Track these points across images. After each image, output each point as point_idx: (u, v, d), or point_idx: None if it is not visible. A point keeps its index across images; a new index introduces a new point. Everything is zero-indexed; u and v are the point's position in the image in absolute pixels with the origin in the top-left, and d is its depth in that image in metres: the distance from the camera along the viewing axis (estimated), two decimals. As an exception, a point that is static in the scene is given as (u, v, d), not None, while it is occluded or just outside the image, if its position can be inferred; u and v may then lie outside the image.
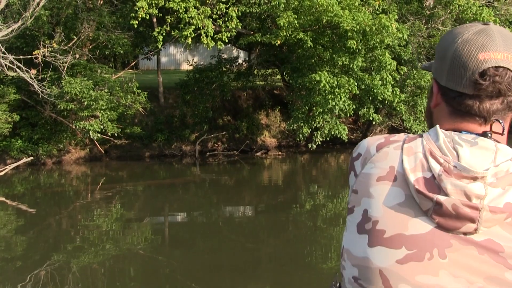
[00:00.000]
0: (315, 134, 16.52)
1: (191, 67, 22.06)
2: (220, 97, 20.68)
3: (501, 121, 1.11)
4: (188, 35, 15.67)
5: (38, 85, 15.00)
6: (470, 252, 1.03)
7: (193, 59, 22.57)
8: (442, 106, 1.17)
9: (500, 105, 1.10)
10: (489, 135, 1.11)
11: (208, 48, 16.94)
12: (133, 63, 21.29)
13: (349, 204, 1.16)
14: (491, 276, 1.02)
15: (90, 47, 17.77)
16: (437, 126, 1.13)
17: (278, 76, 22.68)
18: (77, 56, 16.79)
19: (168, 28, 16.07)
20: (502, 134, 1.12)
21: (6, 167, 15.05)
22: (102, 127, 16.47)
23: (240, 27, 16.69)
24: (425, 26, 17.91)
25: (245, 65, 21.90)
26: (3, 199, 13.43)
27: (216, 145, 20.99)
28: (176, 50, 29.65)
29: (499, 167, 1.05)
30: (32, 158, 16.87)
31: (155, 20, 18.30)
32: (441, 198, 1.03)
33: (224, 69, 20.82)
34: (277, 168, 18.96)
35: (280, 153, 20.49)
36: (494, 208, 1.01)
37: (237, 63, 22.07)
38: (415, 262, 1.04)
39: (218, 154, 20.39)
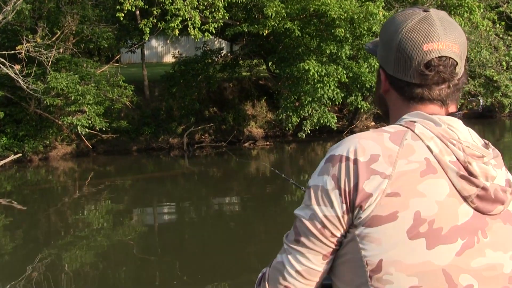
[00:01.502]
0: (304, 123, 16.48)
1: (174, 60, 21.88)
2: (206, 89, 20.56)
3: (459, 111, 1.18)
4: (175, 26, 15.48)
5: (23, 81, 14.72)
6: (499, 225, 1.10)
7: (177, 51, 22.33)
8: (394, 93, 1.20)
9: (448, 89, 1.15)
10: (458, 114, 1.16)
11: (196, 40, 16.78)
12: (118, 56, 21.04)
13: (383, 211, 1.05)
14: None
15: (74, 41, 17.48)
16: (421, 112, 1.14)
17: (263, 67, 22.58)
18: (61, 50, 16.52)
19: (155, 20, 15.88)
20: (461, 118, 1.17)
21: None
22: (89, 122, 16.27)
23: (227, 18, 16.54)
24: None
25: (230, 56, 21.73)
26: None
27: (203, 137, 20.89)
28: (158, 43, 29.35)
29: (491, 147, 1.13)
30: (20, 155, 16.63)
31: (138, 12, 18.07)
32: (487, 183, 1.07)
33: (209, 60, 20.66)
34: (265, 158, 18.94)
35: (268, 143, 20.46)
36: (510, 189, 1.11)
37: (222, 54, 21.92)
38: (469, 249, 1.06)
39: (205, 146, 20.31)
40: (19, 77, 14.60)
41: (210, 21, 16.15)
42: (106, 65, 19.48)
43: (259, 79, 22.85)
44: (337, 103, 16.76)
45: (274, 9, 15.39)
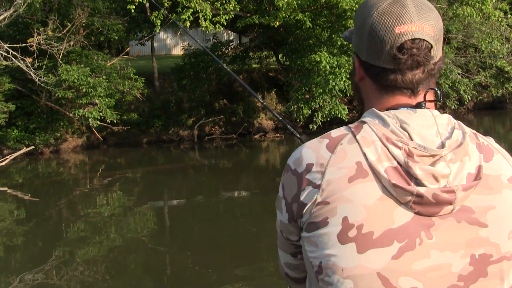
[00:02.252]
0: (316, 115, 16.42)
1: (182, 52, 21.82)
2: (216, 81, 20.51)
3: (436, 89, 1.13)
4: (187, 18, 15.42)
5: (34, 74, 14.73)
6: (450, 224, 1.05)
7: (188, 44, 22.27)
8: (368, 81, 1.17)
9: (422, 74, 1.11)
10: (423, 105, 1.11)
11: (208, 31, 16.72)
12: (128, 49, 21.03)
13: (316, 218, 1.07)
14: (470, 240, 1.06)
15: (84, 33, 17.47)
16: (373, 109, 1.12)
17: (273, 59, 22.49)
18: (72, 43, 16.51)
19: (166, 12, 15.81)
20: (439, 101, 1.14)
21: (7, 157, 14.86)
22: (101, 114, 16.29)
23: (238, 9, 16.45)
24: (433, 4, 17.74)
25: (240, 48, 21.65)
26: (5, 188, 13.31)
27: (213, 129, 20.88)
28: (167, 35, 29.29)
29: (452, 139, 1.07)
30: (32, 147, 16.70)
31: (147, 5, 18.03)
32: (421, 189, 1.03)
33: (219, 52, 20.60)
34: (275, 150, 18.92)
35: (278, 135, 20.39)
36: (464, 185, 1.04)
37: (232, 46, 21.85)
38: (409, 252, 1.04)
39: (216, 138, 20.30)
40: (31, 70, 14.60)
41: (221, 13, 16.07)
42: (116, 58, 19.48)
43: (268, 71, 22.77)
44: (348, 95, 16.67)
45: (285, 0, 15.28)
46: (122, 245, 8.60)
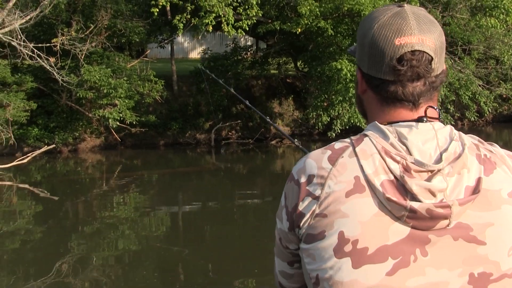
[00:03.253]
0: (335, 123, 16.37)
1: (199, 56, 21.90)
2: (234, 85, 20.55)
3: (435, 107, 1.12)
4: (209, 23, 15.50)
5: (57, 74, 14.91)
6: (446, 241, 1.04)
7: (208, 48, 22.37)
8: (370, 93, 1.17)
9: (423, 86, 1.11)
10: (425, 119, 1.10)
11: (229, 36, 16.80)
12: (148, 51, 21.18)
13: (313, 230, 1.08)
14: (467, 257, 1.04)
15: (106, 35, 17.65)
16: (376, 122, 1.12)
17: (291, 65, 22.49)
18: (94, 44, 16.69)
19: (189, 16, 15.94)
20: (438, 118, 1.12)
21: (29, 154, 15.05)
22: (120, 115, 16.43)
23: (260, 15, 16.49)
24: (441, 14, 17.62)
25: (259, 53, 21.70)
26: (26, 185, 13.45)
27: (230, 133, 20.91)
28: (184, 39, 29.42)
29: (448, 151, 1.06)
30: (53, 146, 16.89)
31: (168, 8, 18.17)
32: (414, 205, 1.02)
33: (239, 57, 20.66)
34: (290, 156, 18.88)
35: (296, 141, 20.29)
36: (461, 200, 1.03)
37: (251, 51, 21.89)
38: (403, 268, 1.03)
39: (232, 143, 20.32)
40: (54, 70, 14.78)
41: (243, 18, 16.14)
42: (136, 60, 19.64)
43: (286, 77, 22.77)
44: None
45: (308, 7, 15.27)
46: (136, 247, 8.62)
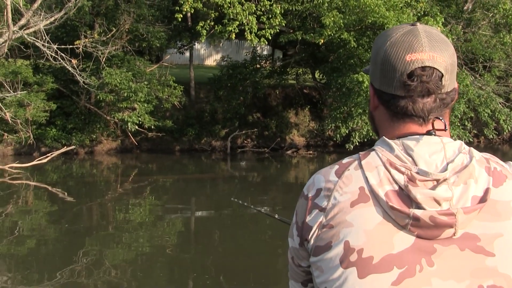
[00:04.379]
0: (353, 135, 16.31)
1: (214, 63, 21.93)
2: (251, 94, 20.58)
3: (441, 118, 1.12)
4: (232, 30, 15.56)
5: (79, 76, 15.03)
6: (453, 251, 1.03)
7: (227, 55, 22.42)
8: (381, 109, 1.18)
9: (433, 103, 1.11)
10: (433, 133, 1.11)
11: (252, 45, 16.84)
12: (167, 56, 21.30)
13: (321, 241, 1.10)
14: (475, 269, 1.03)
15: (127, 38, 17.78)
16: (384, 137, 1.14)
17: (309, 75, 22.48)
18: (117, 47, 16.82)
19: (212, 23, 16.00)
20: (444, 130, 1.13)
21: (49, 154, 15.18)
22: (139, 119, 16.51)
23: (283, 24, 16.53)
24: (463, 30, 17.51)
25: (279, 63, 21.70)
26: (46, 186, 13.54)
27: (245, 141, 20.90)
28: (201, 46, 29.58)
29: (454, 162, 1.06)
30: (73, 147, 17.02)
31: (189, 14, 18.27)
32: (417, 212, 1.02)
33: (258, 66, 20.69)
34: (304, 167, 18.81)
35: (311, 152, 20.27)
36: (466, 208, 1.03)
37: (271, 61, 21.91)
38: (408, 278, 1.02)
39: (247, 151, 20.29)
40: (76, 71, 14.89)
41: (266, 27, 16.18)
42: (155, 65, 19.75)
43: (303, 87, 22.76)
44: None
45: (332, 18, 15.25)
46: (149, 251, 8.58)
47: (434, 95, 1.11)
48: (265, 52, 24.83)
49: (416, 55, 1.10)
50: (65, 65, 14.43)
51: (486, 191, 1.06)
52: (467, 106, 16.86)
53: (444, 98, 1.13)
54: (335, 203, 1.09)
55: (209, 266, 7.76)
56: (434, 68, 1.10)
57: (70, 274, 7.13)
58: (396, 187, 1.06)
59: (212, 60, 30.16)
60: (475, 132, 20.04)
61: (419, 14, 15.78)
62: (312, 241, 1.11)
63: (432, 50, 1.10)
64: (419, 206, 1.04)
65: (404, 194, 1.05)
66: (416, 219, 1.03)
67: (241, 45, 29.04)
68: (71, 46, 14.74)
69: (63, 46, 14.41)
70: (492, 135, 18.43)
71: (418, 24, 1.16)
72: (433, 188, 1.04)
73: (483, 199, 1.05)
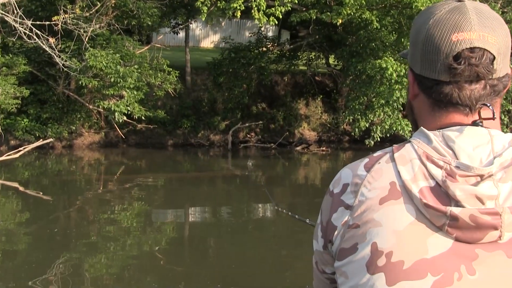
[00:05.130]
0: (374, 129, 16.22)
1: (211, 45, 21.75)
2: (257, 81, 20.36)
3: (488, 105, 1.10)
4: (237, 7, 15.38)
5: (59, 57, 14.68)
6: (498, 258, 1.02)
7: (229, 36, 22.17)
8: (422, 97, 1.17)
9: (483, 90, 1.10)
10: (480, 124, 1.10)
11: (260, 24, 16.60)
12: (161, 36, 21.05)
13: (346, 243, 1.09)
14: None
15: (113, 15, 17.45)
16: (422, 127, 1.13)
17: (322, 61, 22.26)
18: (102, 25, 16.49)
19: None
20: (493, 118, 1.11)
21: (21, 148, 14.87)
22: (128, 108, 16.24)
23: (296, 2, 16.36)
24: (501, 10, 17.33)
25: (288, 46, 21.42)
26: (16, 184, 13.34)
27: (248, 135, 20.78)
28: (196, 25, 29.26)
29: (503, 157, 1.05)
30: (51, 140, 16.81)
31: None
32: (455, 210, 1.01)
33: (264, 49, 20.48)
34: (316, 166, 18.77)
35: (324, 148, 20.06)
36: None
37: (279, 43, 21.69)
38: (445, 287, 1.01)
39: (251, 146, 20.17)
40: (55, 52, 14.54)
41: (276, 4, 15.98)
42: (146, 46, 19.47)
43: (315, 74, 22.52)
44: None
45: None
46: (136, 261, 8.55)
47: (484, 81, 1.09)
48: (270, 33, 24.56)
49: (464, 34, 1.08)
50: (41, 44, 14.08)
51: None
52: (504, 97, 16.63)
53: (495, 84, 1.11)
54: (363, 199, 1.09)
55: (205, 278, 7.72)
56: (485, 49, 1.08)
57: (45, 285, 7.07)
58: (433, 183, 1.05)
59: (209, 41, 29.90)
60: (512, 127, 19.89)
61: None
62: (336, 243, 1.12)
63: (483, 29, 1.09)
64: (458, 204, 1.02)
65: (441, 191, 1.04)
66: (454, 218, 1.01)
67: (242, 25, 28.79)
68: (48, 23, 14.39)
69: (38, 22, 14.06)
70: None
71: (465, 0, 1.13)
72: (476, 184, 1.03)
73: None
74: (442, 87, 1.12)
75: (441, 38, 1.10)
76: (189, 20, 20.28)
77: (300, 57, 21.48)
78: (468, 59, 1.08)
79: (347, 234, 1.09)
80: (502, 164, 1.05)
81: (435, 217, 1.03)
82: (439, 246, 1.03)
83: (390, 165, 1.10)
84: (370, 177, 1.10)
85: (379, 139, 16.30)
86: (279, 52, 21.23)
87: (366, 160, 1.14)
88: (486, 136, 1.08)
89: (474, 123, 1.11)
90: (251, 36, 21.59)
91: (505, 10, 17.92)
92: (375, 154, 1.15)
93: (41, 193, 12.55)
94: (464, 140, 1.08)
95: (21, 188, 12.98)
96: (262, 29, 21.63)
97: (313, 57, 22.02)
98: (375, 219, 1.06)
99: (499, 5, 17.62)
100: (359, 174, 1.12)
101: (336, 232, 1.12)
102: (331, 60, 21.60)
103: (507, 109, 17.65)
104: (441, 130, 1.11)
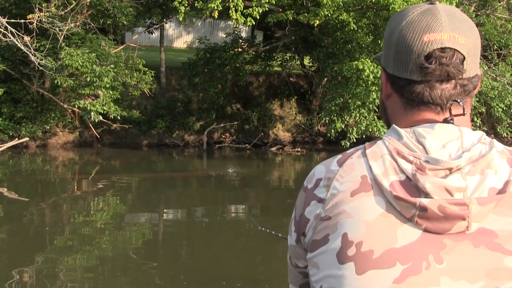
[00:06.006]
0: (350, 130, 16.26)
1: (185, 46, 21.60)
2: (232, 82, 20.31)
3: (459, 101, 1.13)
4: (215, 7, 15.28)
5: (34, 56, 14.44)
6: (465, 248, 1.04)
7: (205, 37, 22.03)
8: (394, 97, 1.20)
9: (453, 89, 1.13)
10: (451, 121, 1.13)
11: (238, 25, 16.53)
12: (136, 36, 20.88)
13: (317, 235, 1.11)
14: (491, 269, 1.03)
15: (87, 14, 17.26)
16: (394, 125, 1.16)
17: (297, 62, 22.29)
18: (78, 23, 16.29)
19: (191, -2, 15.65)
20: (463, 114, 1.13)
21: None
22: (104, 108, 16.08)
23: (273, 2, 16.32)
24: (475, 13, 17.47)
25: (262, 47, 21.40)
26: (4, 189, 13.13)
27: (223, 136, 20.70)
28: (169, 25, 29.16)
29: (471, 152, 1.08)
30: (27, 139, 16.57)
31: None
32: (424, 201, 1.03)
33: (240, 50, 20.42)
34: (290, 167, 18.77)
35: (299, 149, 20.08)
36: (481, 199, 1.04)
37: (255, 44, 21.64)
38: (413, 276, 1.03)
39: (225, 147, 20.11)
40: (31, 50, 14.31)
41: (254, 5, 15.95)
42: (120, 46, 19.30)
43: (290, 75, 22.54)
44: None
45: None
46: (110, 261, 8.46)
47: (454, 81, 1.12)
48: (243, 34, 24.50)
49: (435, 35, 1.11)
50: (16, 42, 13.86)
51: (507, 183, 1.06)
52: (477, 99, 16.83)
53: (465, 84, 1.13)
54: (335, 193, 1.11)
55: (178, 278, 7.65)
56: (455, 49, 1.11)
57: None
58: (403, 177, 1.07)
59: (182, 42, 29.67)
60: (485, 129, 20.06)
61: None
62: (309, 235, 1.13)
63: (453, 30, 1.12)
64: (427, 196, 1.04)
65: (411, 185, 1.06)
66: (423, 208, 1.03)
67: (216, 25, 28.69)
68: (23, 21, 14.17)
69: (12, 20, 13.85)
70: (506, 133, 18.44)
71: (437, 2, 1.17)
72: (445, 177, 1.05)
73: (502, 191, 1.06)
74: (414, 87, 1.14)
75: (413, 39, 1.13)
76: (164, 20, 20.15)
77: (275, 58, 21.48)
78: (439, 59, 1.10)
79: (319, 226, 1.11)
80: (470, 158, 1.07)
81: (405, 208, 1.05)
82: (408, 236, 1.05)
83: (361, 160, 1.12)
84: (342, 171, 1.12)
85: (355, 140, 16.28)
86: (254, 53, 21.19)
87: (339, 156, 1.17)
88: (456, 132, 1.11)
89: (445, 121, 1.13)
90: (226, 36, 21.50)
91: (479, 13, 18.11)
92: (348, 151, 1.18)
93: (13, 192, 12.39)
94: (434, 136, 1.10)
95: (2, 190, 12.76)
96: (234, 30, 21.60)
97: (288, 58, 22.04)
98: (346, 210, 1.08)
99: (473, 8, 17.81)
100: (332, 169, 1.14)
101: (308, 225, 1.13)
102: (306, 61, 21.63)
103: (480, 111, 17.82)
104: (412, 127, 1.14)
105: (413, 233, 1.05)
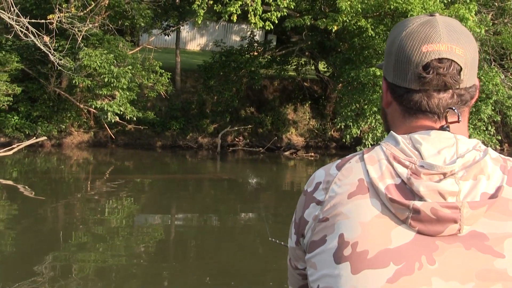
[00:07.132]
0: (365, 136, 16.17)
1: (198, 48, 21.58)
2: (246, 85, 20.29)
3: (454, 108, 1.15)
4: (234, 11, 15.26)
5: (53, 55, 14.49)
6: (457, 250, 1.06)
7: (221, 40, 22.04)
8: (394, 105, 1.23)
9: (450, 99, 1.16)
10: (447, 129, 1.15)
11: (256, 29, 16.47)
12: (152, 38, 20.94)
13: (316, 236, 1.15)
14: (482, 271, 1.05)
15: (105, 15, 17.30)
16: (392, 132, 1.19)
17: (312, 67, 22.23)
18: (96, 24, 16.33)
19: (211, 2, 15.62)
20: (458, 121, 1.16)
21: (14, 146, 14.71)
22: (121, 109, 16.10)
23: (292, 7, 16.24)
24: (492, 21, 17.27)
25: (279, 51, 21.37)
26: (10, 182, 13.16)
27: (236, 139, 20.67)
28: (183, 28, 29.32)
29: (465, 158, 1.10)
30: (45, 138, 16.61)
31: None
32: (417, 203, 1.06)
33: (255, 53, 20.40)
34: (302, 171, 18.70)
35: (312, 154, 20.00)
36: (473, 203, 1.06)
37: (270, 48, 21.60)
38: (406, 276, 1.05)
39: (239, 150, 20.07)
40: (50, 51, 14.36)
41: (272, 10, 15.91)
42: (137, 47, 19.34)
43: (304, 80, 22.49)
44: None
45: (348, 2, 14.99)
46: (121, 261, 8.42)
47: (451, 90, 1.15)
48: (257, 38, 24.49)
49: (433, 45, 1.14)
50: (37, 42, 13.91)
51: (498, 189, 1.09)
52: (493, 108, 16.65)
53: (462, 94, 1.16)
54: (333, 195, 1.14)
55: (189, 280, 7.63)
56: (452, 60, 1.13)
57: (32, 286, 6.92)
58: (399, 181, 1.10)
59: (196, 44, 29.69)
60: (499, 138, 19.88)
61: (445, 1, 15.51)
62: (307, 236, 1.17)
63: (451, 41, 1.14)
64: (421, 200, 1.07)
65: (406, 188, 1.09)
66: (416, 211, 1.06)
67: (229, 28, 28.67)
68: (43, 21, 14.23)
69: (33, 21, 13.90)
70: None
71: (437, 14, 1.20)
72: (439, 181, 1.08)
73: (493, 196, 1.08)
74: (412, 95, 1.17)
75: (412, 49, 1.16)
76: (180, 22, 20.18)
77: (291, 62, 21.45)
78: (436, 69, 1.13)
79: (318, 227, 1.14)
80: (464, 164, 1.09)
81: (399, 210, 1.08)
82: (402, 237, 1.07)
83: (359, 164, 1.15)
84: (340, 175, 1.16)
85: (369, 147, 16.18)
86: (270, 57, 21.18)
87: (338, 161, 1.21)
88: (452, 139, 1.13)
89: (441, 128, 1.16)
90: (241, 40, 21.52)
91: (496, 21, 17.94)
92: (347, 156, 1.21)
93: (29, 190, 12.43)
94: (430, 142, 1.13)
95: (12, 183, 12.83)
96: (249, 33, 21.59)
97: (303, 63, 22.01)
98: (343, 212, 1.11)
99: (490, 16, 17.65)
100: (331, 173, 1.18)
101: (307, 226, 1.17)
102: (320, 67, 21.56)
103: (495, 119, 17.60)
104: (410, 134, 1.17)
105: (407, 234, 1.08)
